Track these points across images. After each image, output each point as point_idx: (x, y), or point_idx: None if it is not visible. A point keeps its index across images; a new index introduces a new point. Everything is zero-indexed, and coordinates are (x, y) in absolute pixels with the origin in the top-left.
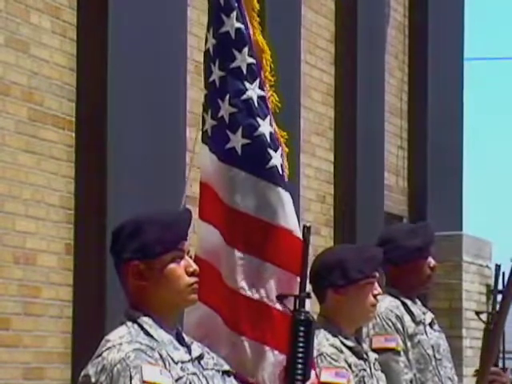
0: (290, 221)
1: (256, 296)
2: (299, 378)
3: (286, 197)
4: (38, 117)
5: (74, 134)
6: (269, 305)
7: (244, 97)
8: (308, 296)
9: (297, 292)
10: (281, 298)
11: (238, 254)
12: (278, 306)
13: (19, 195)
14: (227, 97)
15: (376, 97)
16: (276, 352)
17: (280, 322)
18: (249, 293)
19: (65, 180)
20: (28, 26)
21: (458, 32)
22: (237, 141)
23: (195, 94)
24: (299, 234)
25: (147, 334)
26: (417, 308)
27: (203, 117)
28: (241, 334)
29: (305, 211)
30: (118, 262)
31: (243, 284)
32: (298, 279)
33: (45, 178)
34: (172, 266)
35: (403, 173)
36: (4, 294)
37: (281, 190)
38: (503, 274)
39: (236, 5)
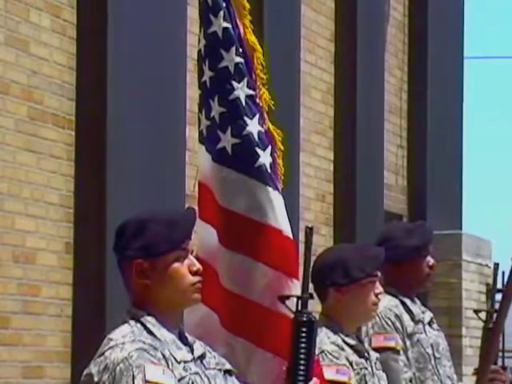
0: (279, 220)
1: (247, 296)
2: (301, 378)
3: (275, 196)
4: (38, 115)
5: (73, 133)
6: (260, 304)
7: (231, 96)
8: (311, 297)
9: (295, 292)
10: (282, 298)
11: (230, 253)
12: (269, 306)
13: (19, 194)
14: (217, 97)
15: (376, 96)
16: (267, 353)
17: (271, 323)
18: (241, 292)
19: (64, 179)
20: (28, 25)
21: (458, 31)
22: (227, 140)
23: (195, 93)
24: (289, 234)
25: (150, 333)
26: (416, 307)
27: (199, 117)
28: (236, 334)
29: (304, 210)
30: (121, 260)
31: (236, 284)
32: (289, 279)
33: (44, 176)
34: (176, 265)
35: (403, 172)
36: (3, 293)
37: (269, 189)
38: (502, 272)
39: (224, 5)
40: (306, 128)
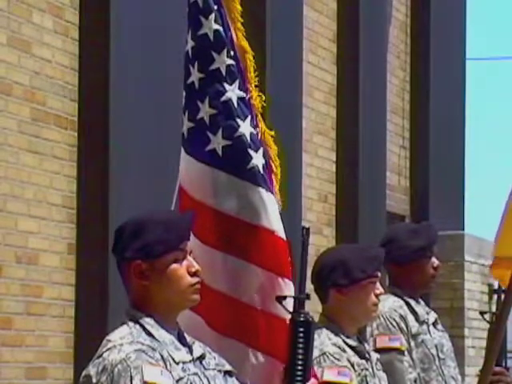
0: (272, 221)
1: (238, 297)
2: (299, 379)
3: (267, 197)
4: (41, 116)
5: (76, 134)
6: (251, 306)
7: (223, 98)
8: (307, 297)
9: (288, 292)
10: (280, 299)
11: (221, 255)
12: (260, 307)
13: (21, 195)
14: (207, 99)
15: (378, 96)
16: (259, 354)
17: (263, 324)
18: (232, 294)
19: (67, 180)
20: (30, 26)
21: (460, 32)
22: (217, 142)
23: None
24: (282, 235)
25: (149, 334)
26: (420, 308)
27: (182, 119)
28: (226, 336)
29: (307, 211)
30: (120, 262)
31: (226, 285)
32: (281, 280)
33: (47, 177)
34: (174, 266)
35: (405, 172)
36: (6, 294)
37: (262, 191)
38: None
39: (215, 7)
40: (309, 129)
